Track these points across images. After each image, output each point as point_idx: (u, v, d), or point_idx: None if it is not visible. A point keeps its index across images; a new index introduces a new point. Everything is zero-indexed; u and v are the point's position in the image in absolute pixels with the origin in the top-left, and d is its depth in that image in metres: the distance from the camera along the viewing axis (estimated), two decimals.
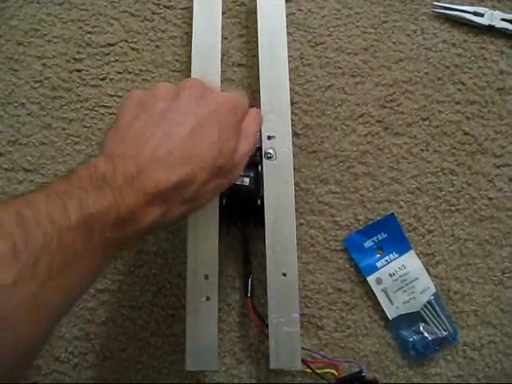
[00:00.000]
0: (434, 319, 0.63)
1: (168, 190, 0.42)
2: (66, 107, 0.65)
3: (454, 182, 0.65)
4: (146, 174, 0.42)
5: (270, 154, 0.59)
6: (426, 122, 0.65)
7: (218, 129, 0.46)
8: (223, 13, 0.64)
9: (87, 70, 0.66)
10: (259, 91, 0.60)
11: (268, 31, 0.61)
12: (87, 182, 0.39)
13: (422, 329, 0.63)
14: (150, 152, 0.43)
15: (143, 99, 0.48)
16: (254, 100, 0.64)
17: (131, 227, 0.41)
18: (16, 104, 0.65)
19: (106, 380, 0.62)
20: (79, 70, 0.66)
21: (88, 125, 0.65)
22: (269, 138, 0.59)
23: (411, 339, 0.63)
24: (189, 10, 0.66)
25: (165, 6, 0.67)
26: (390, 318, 0.63)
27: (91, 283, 0.41)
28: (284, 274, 0.58)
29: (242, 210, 0.61)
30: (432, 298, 0.63)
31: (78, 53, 0.66)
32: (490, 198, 0.65)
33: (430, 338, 0.63)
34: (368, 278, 0.63)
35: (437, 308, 0.63)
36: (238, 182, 0.59)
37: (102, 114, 0.65)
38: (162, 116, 0.46)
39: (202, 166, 0.45)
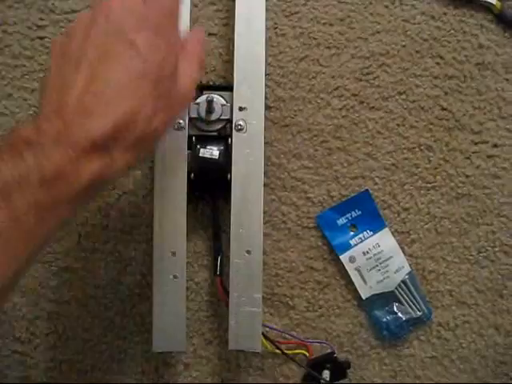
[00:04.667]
0: (408, 299, 0.64)
1: (105, 139, 0.40)
2: (27, 76, 0.64)
3: (431, 159, 0.65)
4: (75, 126, 0.39)
5: (240, 125, 0.58)
6: (403, 97, 0.66)
7: (148, 47, 0.42)
8: None
9: (50, 38, 0.65)
10: (232, 62, 0.60)
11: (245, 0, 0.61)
12: (6, 151, 0.38)
13: (395, 309, 0.64)
14: (74, 102, 0.40)
15: (61, 44, 0.44)
16: (226, 71, 0.64)
17: (66, 186, 0.39)
18: None
19: (68, 361, 0.62)
20: (42, 38, 0.65)
21: None
22: (240, 109, 0.59)
23: (385, 319, 0.63)
24: None
25: None
26: (364, 298, 0.63)
27: (36, 252, 0.40)
28: (248, 252, 0.58)
29: (211, 184, 0.61)
30: (406, 277, 0.64)
31: (41, 19, 0.65)
32: (467, 176, 0.65)
33: (403, 318, 0.63)
34: (341, 257, 0.64)
35: (411, 287, 0.64)
36: (206, 156, 0.59)
37: None
38: (80, 57, 0.42)
39: (140, 98, 0.41)
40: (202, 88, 0.61)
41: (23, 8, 0.65)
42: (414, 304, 0.64)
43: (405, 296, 0.64)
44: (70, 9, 0.65)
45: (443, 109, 0.66)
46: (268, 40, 0.65)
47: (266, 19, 0.62)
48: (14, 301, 0.61)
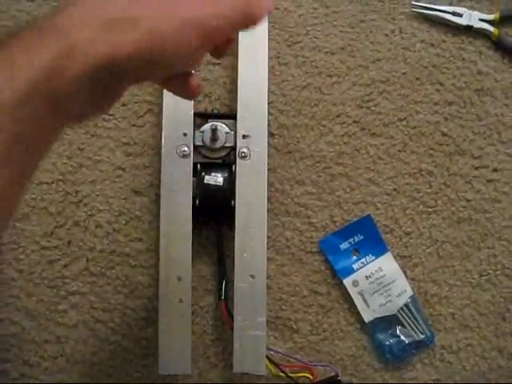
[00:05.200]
0: (410, 322, 0.65)
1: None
2: None
3: (432, 184, 0.67)
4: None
5: (244, 153, 0.60)
6: (404, 123, 0.67)
7: None
8: None
9: None
10: (235, 90, 0.62)
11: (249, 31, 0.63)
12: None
13: (398, 332, 0.65)
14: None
15: None
16: (230, 99, 0.66)
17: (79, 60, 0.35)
18: None
19: None
20: None
21: None
22: (244, 137, 0.61)
23: (388, 342, 0.64)
24: None
25: None
26: (367, 321, 0.65)
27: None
28: (252, 276, 0.59)
29: (216, 210, 0.62)
30: (409, 300, 0.65)
31: None
32: (467, 200, 0.67)
33: (406, 342, 0.64)
34: (344, 281, 0.65)
35: (414, 311, 0.65)
36: (211, 182, 0.61)
37: None
38: None
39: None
40: (206, 116, 0.63)
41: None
42: (416, 327, 0.65)
43: (407, 319, 0.65)
44: None
45: (444, 134, 0.67)
46: (271, 69, 0.67)
47: (269, 49, 0.64)
48: (22, 324, 0.63)
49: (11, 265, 0.64)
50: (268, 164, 0.61)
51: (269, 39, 0.64)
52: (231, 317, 0.61)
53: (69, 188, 0.65)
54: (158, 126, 0.65)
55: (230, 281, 0.63)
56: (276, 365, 0.62)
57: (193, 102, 0.61)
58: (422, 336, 0.64)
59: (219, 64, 0.67)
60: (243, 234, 0.60)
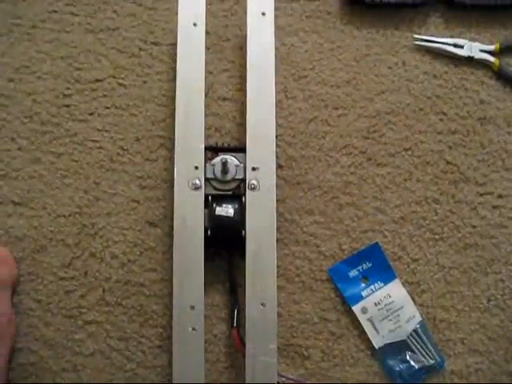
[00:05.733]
0: (420, 348, 0.66)
1: None
2: (54, 142, 0.70)
3: (438, 211, 0.68)
4: None
5: (253, 185, 0.63)
6: (409, 152, 0.69)
7: None
8: (208, 48, 0.69)
9: (76, 106, 0.70)
10: (244, 124, 0.65)
11: (256, 66, 0.66)
12: None
13: (408, 357, 0.66)
14: None
15: None
16: (239, 133, 0.69)
17: None
18: (6, 139, 0.69)
19: None
20: (68, 106, 0.70)
21: (76, 159, 0.69)
22: (253, 169, 0.63)
23: (398, 368, 0.66)
24: (175, 46, 0.70)
25: (151, 43, 0.72)
26: (376, 347, 0.66)
27: None
28: (263, 305, 0.61)
29: (227, 240, 0.64)
30: (418, 326, 0.66)
31: (67, 88, 0.71)
32: (473, 226, 0.68)
33: (416, 367, 0.66)
34: (353, 308, 0.66)
35: (423, 336, 0.66)
36: (222, 214, 0.63)
37: (90, 148, 0.69)
38: None
39: None
40: (217, 150, 0.66)
41: (51, 78, 0.71)
42: (426, 352, 0.66)
43: (417, 345, 0.66)
44: (94, 78, 0.71)
45: (448, 162, 0.69)
46: (278, 103, 0.69)
47: (276, 83, 0.66)
48: (40, 353, 0.65)
49: (29, 295, 0.66)
50: (277, 195, 0.63)
51: (276, 74, 0.67)
52: (243, 344, 0.62)
53: (85, 220, 0.68)
54: (171, 159, 0.68)
55: (242, 309, 0.64)
56: None
57: (204, 136, 0.64)
58: (431, 361, 0.66)
59: (229, 99, 0.70)
60: (254, 264, 0.62)
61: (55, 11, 0.73)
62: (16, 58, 0.72)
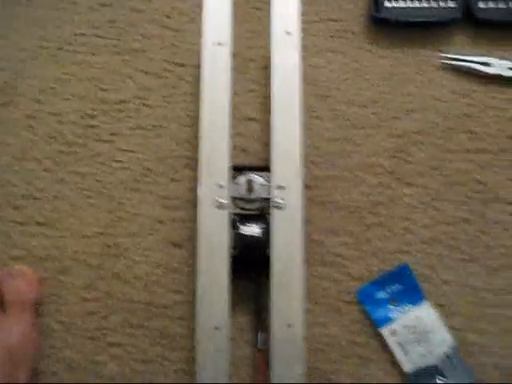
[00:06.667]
0: (452, 372, 0.64)
1: None
2: (79, 162, 0.70)
3: (468, 231, 0.67)
4: None
5: (279, 203, 0.62)
6: (438, 172, 0.69)
7: None
8: (234, 69, 0.69)
9: (100, 126, 0.71)
10: (270, 144, 0.65)
11: (282, 86, 0.66)
12: None
13: (440, 383, 0.64)
14: None
15: None
16: (265, 152, 0.69)
17: None
18: (31, 159, 0.70)
19: None
20: (93, 126, 0.71)
21: (101, 179, 0.70)
22: (279, 187, 0.63)
23: None
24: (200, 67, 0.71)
25: (176, 64, 0.73)
26: (406, 372, 0.64)
27: None
28: (289, 326, 0.60)
29: (253, 261, 0.64)
30: (449, 350, 0.65)
31: (92, 109, 0.72)
32: (505, 246, 0.67)
33: None
34: (382, 330, 0.65)
35: (455, 361, 0.64)
36: (248, 233, 0.63)
37: (115, 168, 0.70)
38: None
39: None
40: (242, 169, 0.66)
41: (76, 99, 0.72)
42: (458, 377, 0.64)
43: (449, 369, 0.64)
44: (119, 99, 0.72)
45: (478, 182, 0.68)
46: (305, 123, 0.69)
47: (302, 103, 0.66)
48: (62, 376, 0.65)
49: (52, 316, 0.66)
50: (304, 215, 0.63)
51: (302, 94, 0.67)
52: (268, 368, 0.61)
53: (109, 241, 0.68)
54: (195, 179, 0.67)
55: (268, 331, 0.63)
56: None
57: (229, 154, 0.64)
58: None
59: (254, 119, 0.71)
60: (280, 284, 0.61)
61: (82, 34, 0.74)
62: (42, 79, 0.73)
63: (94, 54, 0.74)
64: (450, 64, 0.71)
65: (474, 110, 0.70)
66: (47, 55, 0.74)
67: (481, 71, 0.70)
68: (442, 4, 0.72)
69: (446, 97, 0.71)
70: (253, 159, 0.70)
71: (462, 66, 0.71)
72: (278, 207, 0.62)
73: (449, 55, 0.71)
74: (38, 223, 0.69)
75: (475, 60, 0.71)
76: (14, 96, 0.72)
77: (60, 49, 0.74)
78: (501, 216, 0.68)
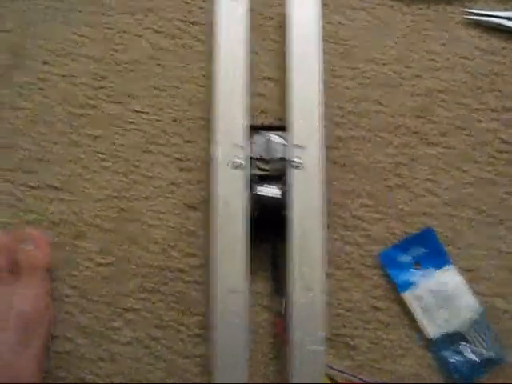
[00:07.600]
0: (478, 339, 0.63)
1: None
2: (92, 124, 0.69)
3: (494, 193, 0.65)
4: None
5: (297, 163, 0.60)
6: (463, 131, 0.67)
7: None
8: (252, 28, 0.67)
9: (113, 87, 0.70)
10: (289, 103, 0.63)
11: (300, 44, 0.64)
12: None
13: (465, 349, 0.63)
14: None
15: None
16: (283, 112, 0.67)
17: None
18: (42, 122, 0.69)
19: None
20: (105, 87, 0.70)
21: (114, 141, 0.68)
22: (297, 147, 0.61)
23: (453, 360, 0.62)
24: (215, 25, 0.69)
25: (190, 22, 0.71)
26: (430, 337, 0.63)
27: None
28: (310, 290, 0.59)
29: (272, 223, 0.62)
30: (475, 315, 0.63)
31: (105, 70, 0.70)
32: None
33: (474, 360, 0.62)
34: (405, 295, 0.64)
35: (481, 326, 0.63)
36: (267, 194, 0.61)
37: (128, 130, 0.68)
38: None
39: None
40: (260, 128, 0.64)
41: (87, 60, 0.71)
42: (485, 344, 0.63)
43: (475, 336, 0.63)
44: (130, 59, 0.70)
45: (503, 141, 0.66)
46: (326, 82, 0.67)
47: (323, 62, 0.64)
48: (76, 341, 0.64)
49: (65, 281, 0.65)
50: (324, 177, 0.61)
51: (321, 52, 0.65)
52: (288, 332, 0.60)
53: (123, 204, 0.66)
54: (211, 140, 0.66)
55: (287, 296, 0.62)
56: (335, 382, 0.61)
57: (247, 113, 0.62)
58: (491, 354, 0.62)
59: (273, 79, 0.69)
60: (300, 247, 0.59)
61: None
62: (51, 40, 0.71)
63: (104, 14, 0.72)
64: (475, 19, 0.69)
65: (503, 68, 0.68)
66: (58, 16, 0.72)
67: (507, 26, 0.68)
68: None
69: (473, 54, 0.69)
70: (272, 119, 0.68)
71: (487, 22, 0.68)
72: (297, 167, 0.61)
73: (473, 10, 0.69)
74: (52, 187, 0.67)
75: (501, 15, 0.68)
76: (24, 58, 0.71)
77: (70, 10, 0.73)
78: None
